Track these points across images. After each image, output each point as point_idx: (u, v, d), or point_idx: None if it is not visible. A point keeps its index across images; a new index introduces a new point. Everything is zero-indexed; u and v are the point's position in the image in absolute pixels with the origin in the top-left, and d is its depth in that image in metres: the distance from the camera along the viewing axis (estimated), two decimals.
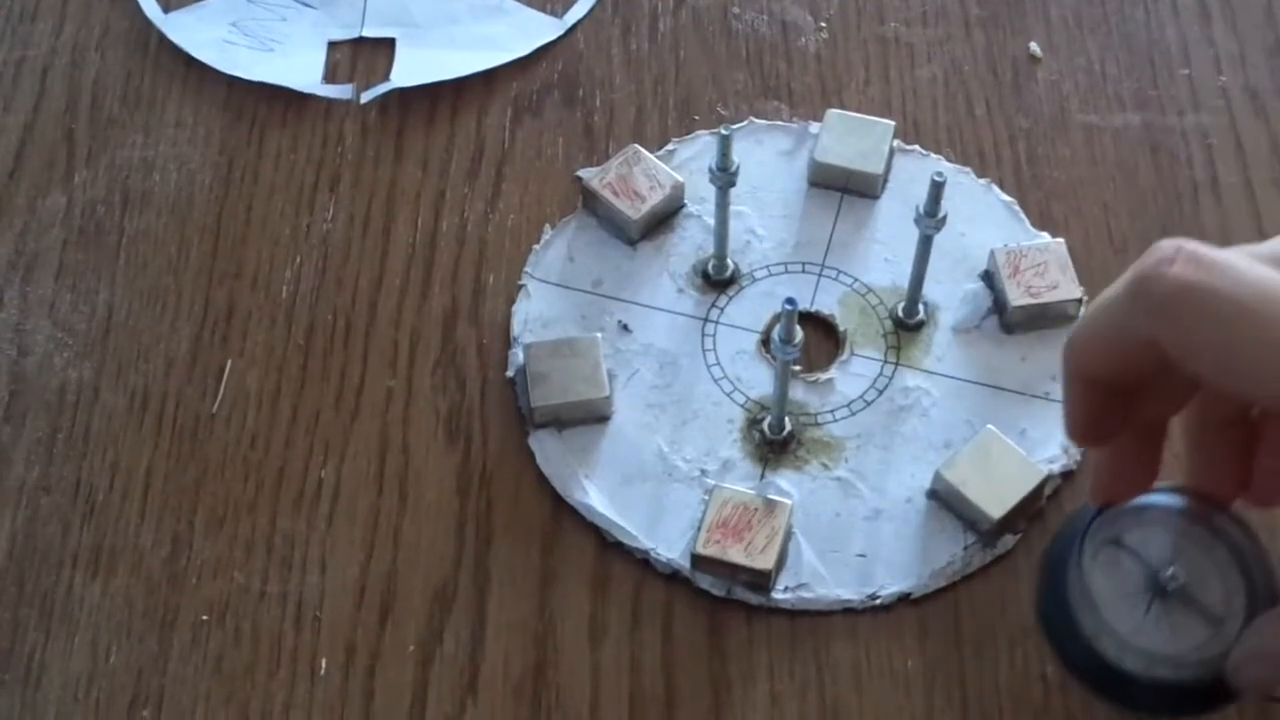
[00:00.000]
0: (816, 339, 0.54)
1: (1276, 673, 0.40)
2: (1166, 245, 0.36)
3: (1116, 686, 0.42)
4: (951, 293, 0.55)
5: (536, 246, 0.56)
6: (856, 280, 0.55)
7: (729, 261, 0.55)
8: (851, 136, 0.57)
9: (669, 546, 0.49)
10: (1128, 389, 0.40)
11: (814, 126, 0.58)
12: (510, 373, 0.53)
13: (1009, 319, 0.53)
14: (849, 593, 0.49)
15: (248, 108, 0.60)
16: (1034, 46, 0.62)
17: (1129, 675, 0.42)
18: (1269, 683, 0.41)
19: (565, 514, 0.51)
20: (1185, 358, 0.36)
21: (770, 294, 0.55)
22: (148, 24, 0.63)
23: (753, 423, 0.52)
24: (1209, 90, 0.60)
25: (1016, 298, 0.53)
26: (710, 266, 0.55)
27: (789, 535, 0.49)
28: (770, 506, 0.49)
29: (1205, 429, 0.43)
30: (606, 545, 0.50)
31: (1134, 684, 0.42)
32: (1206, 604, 0.42)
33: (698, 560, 0.49)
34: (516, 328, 0.54)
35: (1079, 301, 0.53)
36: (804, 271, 0.55)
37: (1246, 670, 0.40)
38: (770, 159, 0.58)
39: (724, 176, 0.51)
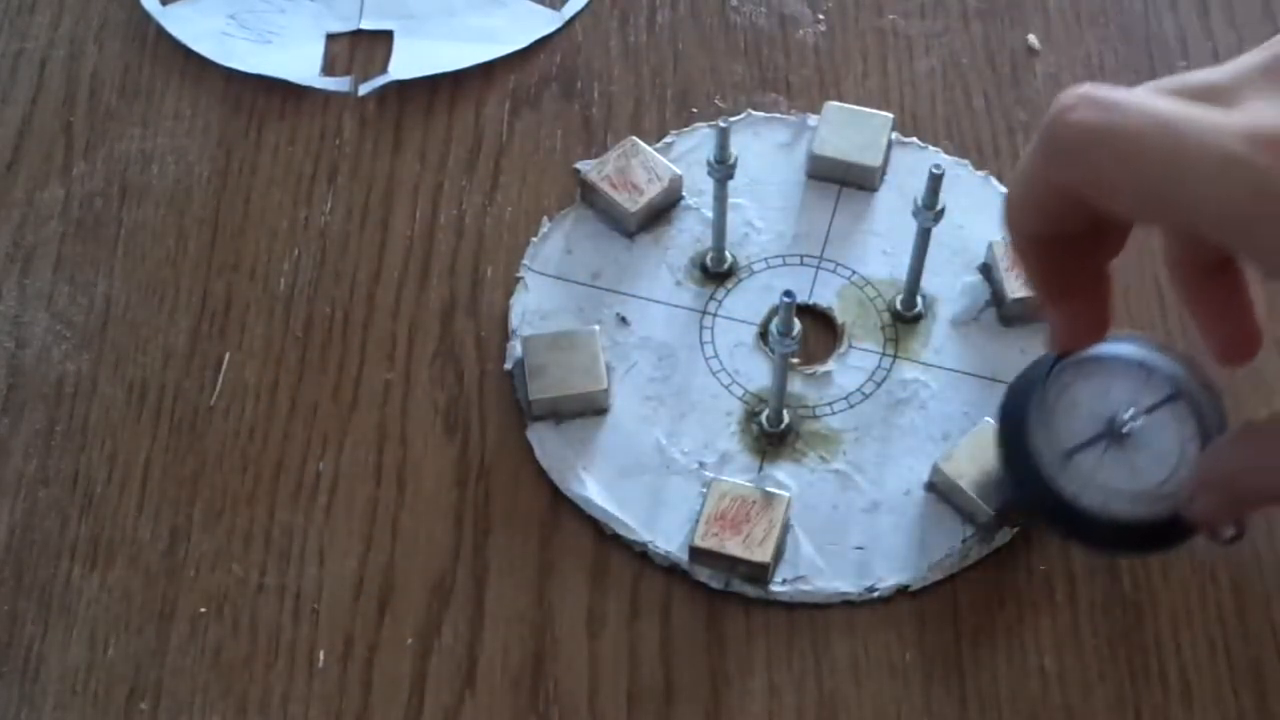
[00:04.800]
0: (815, 331, 0.54)
1: (1221, 501, 0.42)
2: (1069, 94, 0.36)
3: (1077, 524, 0.44)
4: (950, 285, 0.55)
5: (534, 239, 0.56)
6: (855, 273, 0.55)
7: (727, 254, 0.55)
8: (850, 129, 0.57)
9: (667, 539, 0.50)
10: (1071, 241, 0.40)
11: (812, 119, 0.58)
12: (508, 365, 0.53)
13: (1007, 311, 0.53)
14: (847, 585, 0.49)
15: (246, 100, 0.60)
16: (1032, 39, 0.62)
17: (1087, 512, 0.44)
18: (1215, 512, 0.43)
19: (563, 506, 0.51)
20: (1103, 199, 0.36)
21: (768, 286, 0.55)
22: (146, 16, 0.62)
23: (751, 415, 0.52)
24: None
25: (1015, 290, 0.53)
26: (708, 259, 0.55)
27: (787, 528, 0.49)
28: (768, 499, 0.49)
29: (1185, 285, 0.44)
30: (605, 537, 0.50)
31: (1093, 521, 0.44)
32: (1162, 447, 0.44)
33: (696, 552, 0.49)
34: (514, 320, 0.54)
35: None
36: (802, 264, 0.55)
37: (1196, 501, 0.43)
38: (768, 151, 0.58)
39: (722, 169, 0.51)
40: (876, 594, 0.49)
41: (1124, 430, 0.45)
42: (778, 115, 0.59)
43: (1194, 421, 0.45)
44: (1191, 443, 0.45)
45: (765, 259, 0.56)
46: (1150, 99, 0.35)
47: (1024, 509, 0.47)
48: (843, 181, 0.57)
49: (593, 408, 0.52)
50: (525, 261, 0.56)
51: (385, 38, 0.62)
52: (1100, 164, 0.36)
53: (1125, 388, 0.45)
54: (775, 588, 0.49)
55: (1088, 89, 0.36)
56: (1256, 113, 0.34)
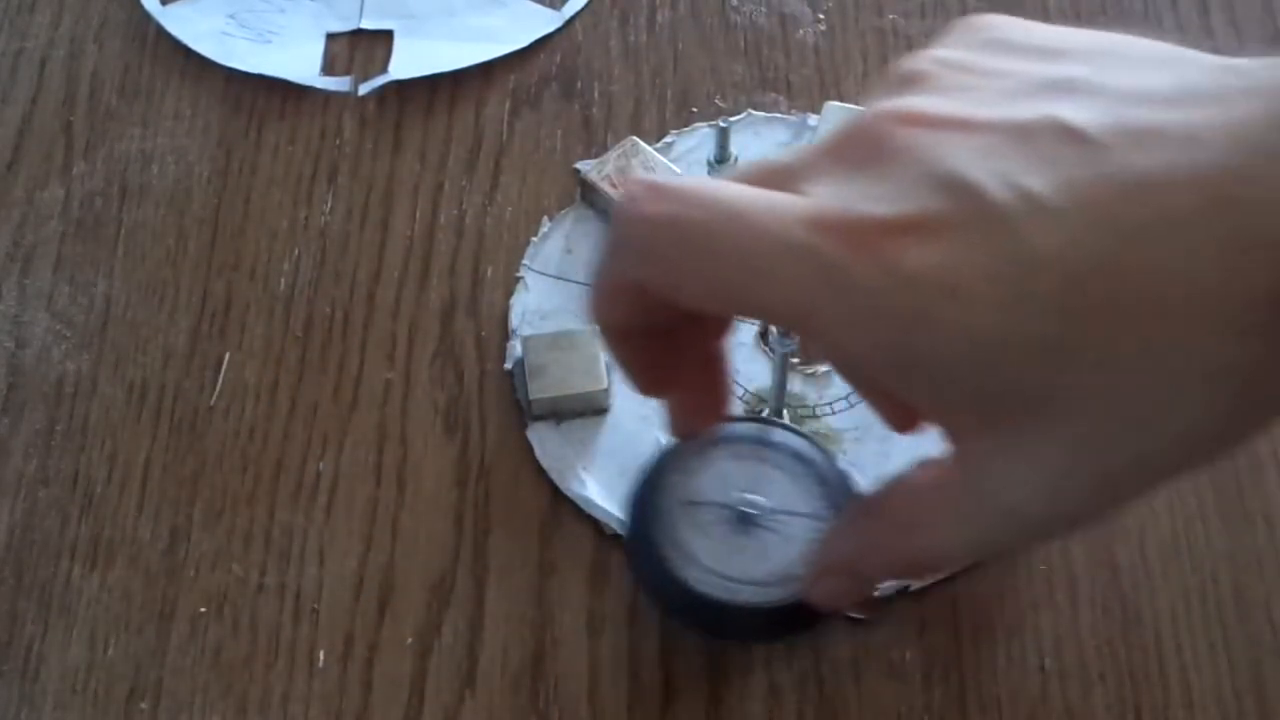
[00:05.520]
0: None
1: (844, 584, 0.40)
2: (635, 184, 0.35)
3: (707, 615, 0.43)
4: None
5: (534, 239, 0.56)
6: None
7: None
8: None
9: None
10: (665, 330, 0.38)
11: (812, 119, 0.58)
12: (508, 365, 0.53)
13: None
14: None
15: (246, 100, 0.60)
16: None
17: (716, 602, 0.42)
18: (840, 595, 0.41)
19: (563, 506, 0.51)
20: (674, 294, 0.35)
21: None
22: (145, 16, 0.62)
23: (751, 415, 0.52)
24: None
25: None
26: None
27: None
28: None
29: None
30: (605, 537, 0.50)
31: (723, 611, 0.42)
32: (789, 526, 0.42)
33: None
34: (514, 320, 0.54)
35: None
36: None
37: (818, 585, 0.41)
38: (769, 151, 0.58)
39: (722, 169, 0.51)
40: (876, 594, 0.49)
41: (750, 513, 0.43)
42: (778, 115, 0.59)
43: (822, 500, 0.43)
44: (820, 521, 0.43)
45: None
46: (718, 187, 0.34)
47: (652, 600, 0.45)
48: None
49: (593, 408, 0.52)
50: (525, 261, 0.56)
51: (385, 38, 0.62)
52: (668, 258, 0.34)
53: (749, 469, 0.44)
54: None
55: (655, 180, 0.35)
56: (819, 196, 0.33)
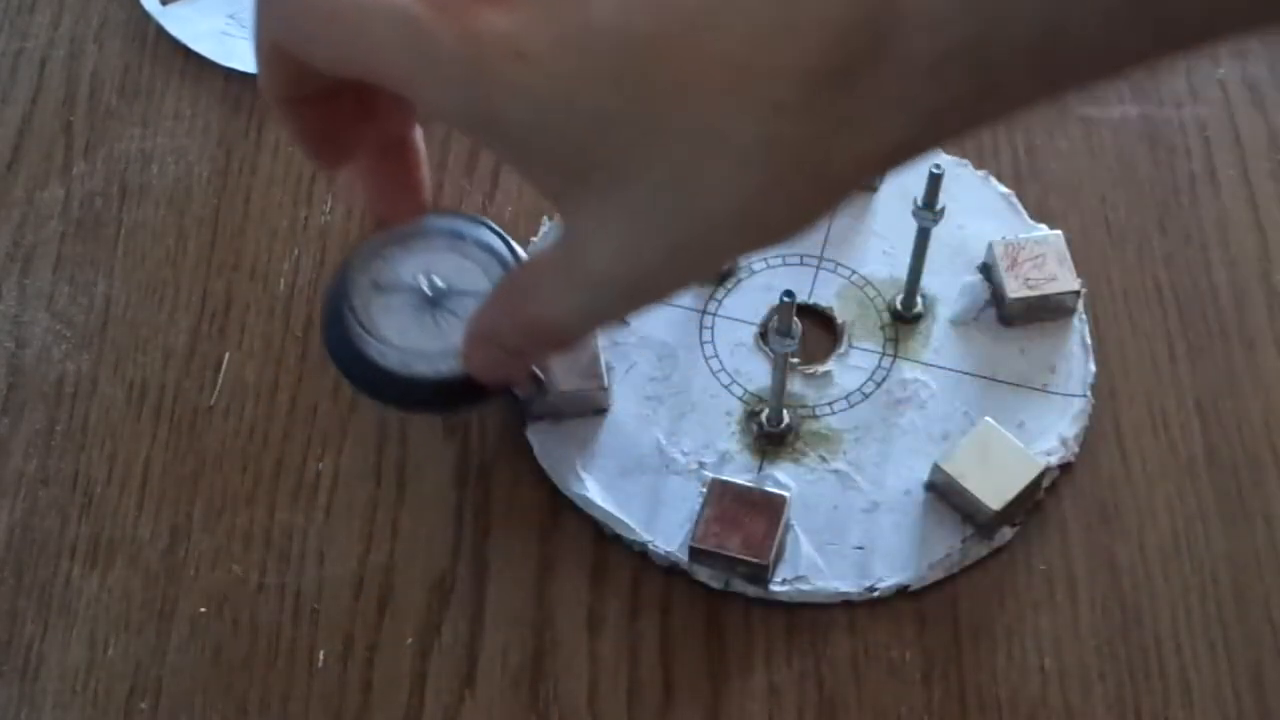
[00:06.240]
0: (815, 331, 0.54)
1: (492, 354, 0.42)
2: None
3: (384, 385, 0.45)
4: (950, 285, 0.55)
5: (534, 239, 0.56)
6: (855, 272, 0.55)
7: None
8: None
9: (667, 539, 0.50)
10: (331, 101, 0.40)
11: None
12: None
13: (1007, 311, 0.53)
14: (847, 585, 0.49)
15: (245, 100, 0.60)
16: None
17: (390, 373, 0.45)
18: (490, 365, 0.43)
19: (563, 506, 0.51)
20: (305, 57, 0.37)
21: (768, 286, 0.55)
22: (145, 16, 0.62)
23: (751, 415, 0.52)
24: (1207, 82, 0.60)
25: (1015, 290, 0.53)
26: None
27: (787, 528, 0.49)
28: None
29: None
30: (604, 537, 0.50)
31: (396, 381, 0.45)
32: (469, 309, 0.45)
33: (695, 552, 0.49)
34: None
35: (1077, 294, 0.53)
36: (802, 264, 0.55)
37: (470, 355, 0.43)
38: None
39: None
40: (876, 594, 0.49)
41: (431, 294, 0.45)
42: None
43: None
44: None
45: (765, 259, 0.56)
46: None
47: (339, 370, 0.47)
48: None
49: (592, 407, 0.52)
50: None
51: None
52: (295, 22, 0.36)
53: (443, 259, 0.46)
54: (775, 588, 0.49)
55: None
56: None
